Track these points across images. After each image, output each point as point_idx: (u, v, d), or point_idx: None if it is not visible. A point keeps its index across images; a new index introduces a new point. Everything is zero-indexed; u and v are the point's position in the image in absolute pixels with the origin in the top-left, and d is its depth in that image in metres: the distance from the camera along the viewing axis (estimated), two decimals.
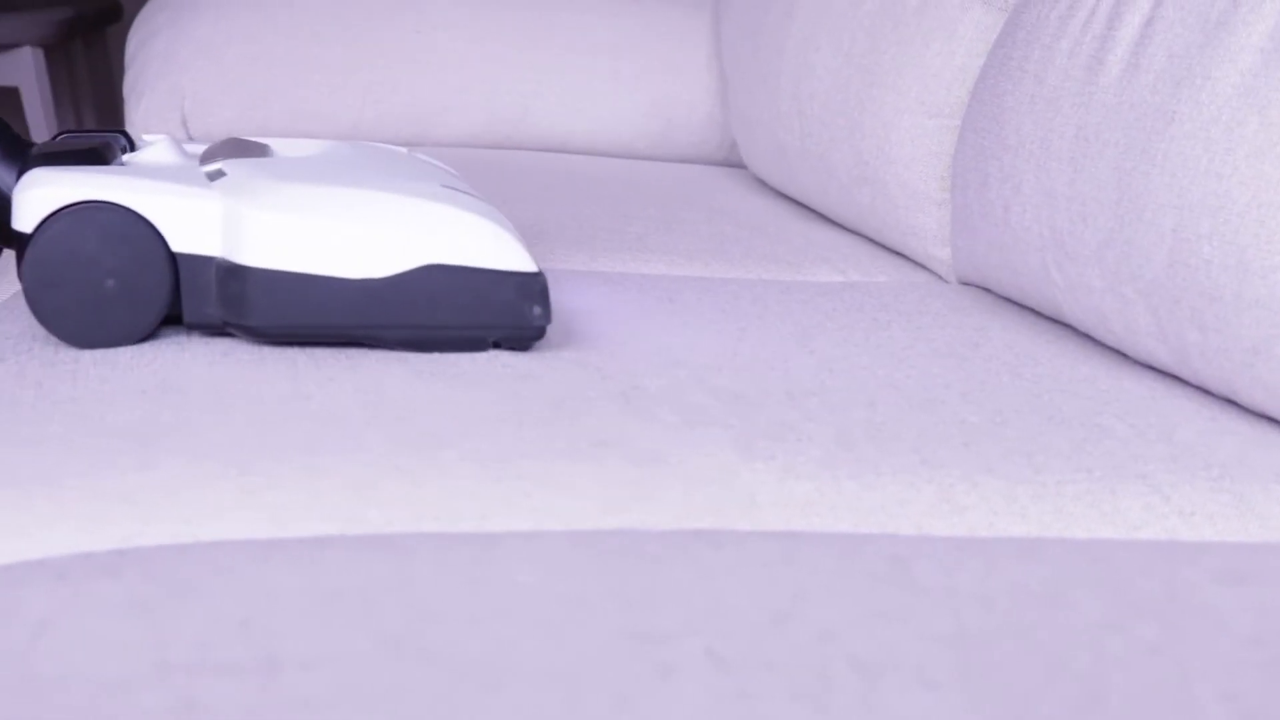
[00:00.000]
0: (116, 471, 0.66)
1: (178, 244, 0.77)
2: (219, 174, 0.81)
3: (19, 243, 0.78)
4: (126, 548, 0.61)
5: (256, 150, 0.88)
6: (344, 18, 1.59)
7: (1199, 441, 0.77)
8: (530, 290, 0.79)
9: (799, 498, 0.68)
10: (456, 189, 0.83)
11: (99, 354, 0.81)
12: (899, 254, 1.23)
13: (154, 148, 0.85)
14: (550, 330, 0.88)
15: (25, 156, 0.84)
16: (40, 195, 0.76)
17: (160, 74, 1.57)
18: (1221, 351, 0.81)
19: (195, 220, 0.76)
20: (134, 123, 1.59)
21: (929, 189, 1.16)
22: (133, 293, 0.77)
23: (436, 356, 0.81)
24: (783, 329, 0.92)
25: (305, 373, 0.78)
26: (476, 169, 1.43)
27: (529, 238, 1.15)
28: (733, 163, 1.64)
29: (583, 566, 0.57)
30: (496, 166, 1.45)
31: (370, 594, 0.54)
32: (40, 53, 2.53)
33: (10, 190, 0.82)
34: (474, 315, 0.78)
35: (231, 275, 0.77)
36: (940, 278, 1.16)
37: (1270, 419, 0.81)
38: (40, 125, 2.53)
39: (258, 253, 0.76)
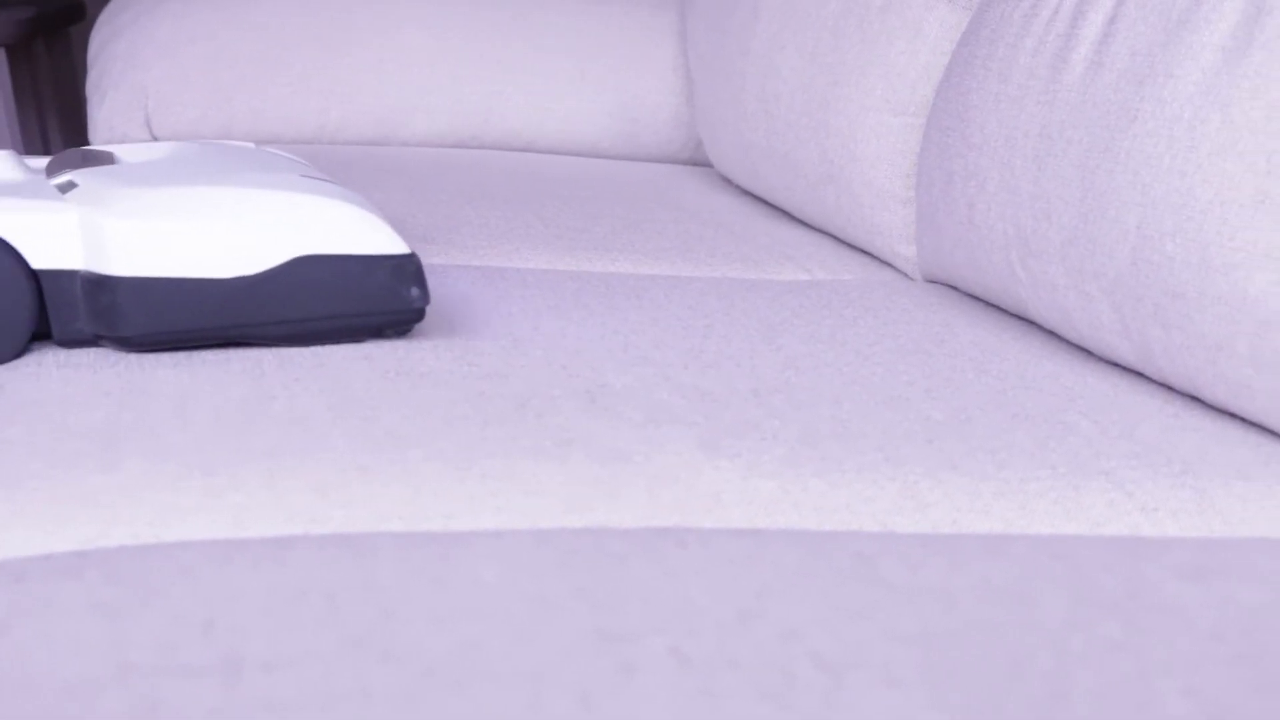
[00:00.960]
0: (78, 473, 0.66)
1: (37, 260, 0.75)
2: (70, 185, 0.80)
3: None
4: (88, 549, 0.60)
5: (103, 159, 0.86)
6: (309, 17, 1.59)
7: (1162, 438, 0.77)
8: (405, 272, 0.78)
9: (764, 495, 0.68)
10: (315, 178, 0.82)
11: (62, 356, 0.80)
12: (864, 252, 1.23)
13: None
14: (516, 328, 0.88)
15: None
16: None
17: (123, 74, 1.56)
18: (1184, 348, 0.81)
19: (53, 234, 0.75)
20: (97, 122, 1.58)
21: (894, 187, 1.17)
22: None
23: (400, 356, 0.81)
24: (748, 327, 0.93)
25: (270, 373, 0.78)
26: (443, 169, 1.42)
27: (495, 237, 1.15)
28: (699, 162, 1.64)
29: (547, 565, 0.57)
30: (463, 166, 1.45)
31: (334, 594, 0.54)
32: (1, 52, 2.52)
33: None
34: (351, 303, 0.78)
35: (98, 287, 0.76)
36: (905, 275, 1.17)
37: (1232, 415, 0.81)
38: (1, 126, 2.51)
39: (122, 262, 0.75)
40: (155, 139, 1.56)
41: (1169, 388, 0.85)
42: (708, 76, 1.46)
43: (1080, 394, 0.84)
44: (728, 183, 1.49)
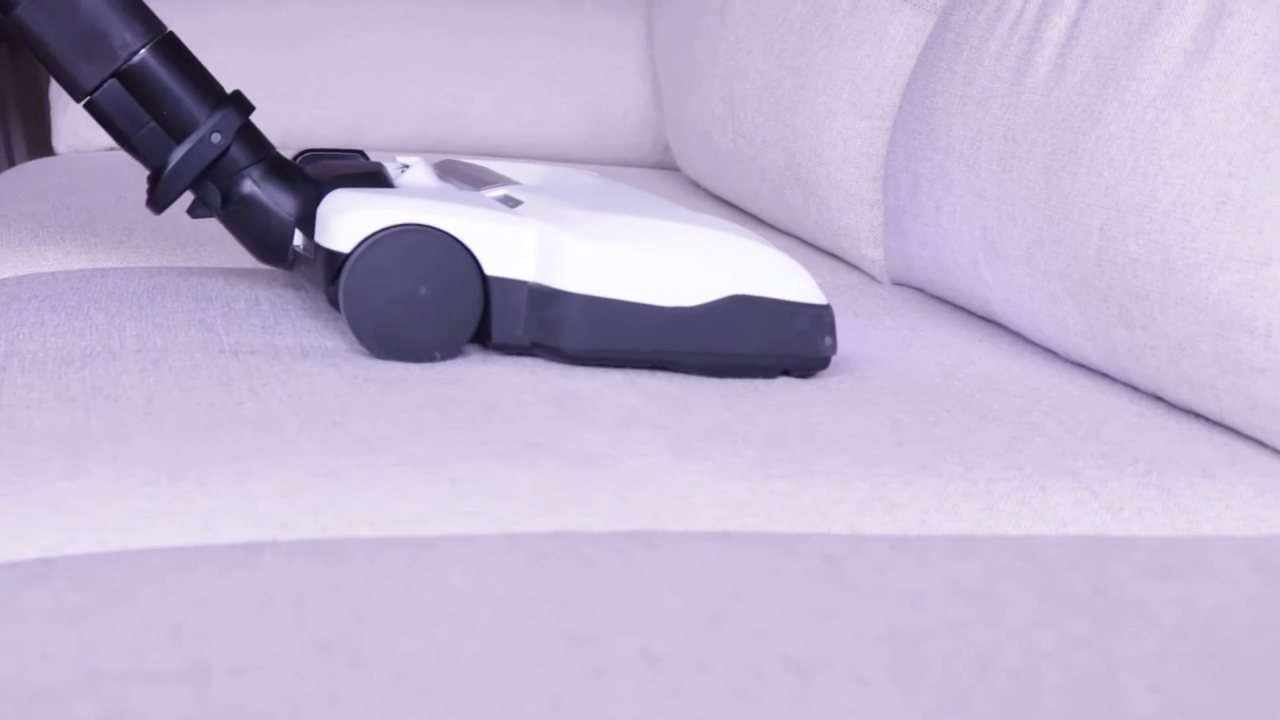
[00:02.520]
0: (45, 479, 0.65)
1: (491, 267, 0.80)
2: (509, 200, 0.85)
3: (325, 260, 0.81)
4: (55, 556, 0.60)
5: (485, 173, 0.91)
6: (276, 22, 1.58)
7: (1127, 438, 0.78)
8: (823, 322, 0.82)
9: (733, 498, 0.68)
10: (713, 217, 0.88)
11: (27, 361, 0.80)
12: (832, 255, 1.23)
13: (415, 170, 0.89)
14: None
15: (296, 176, 0.88)
16: (360, 217, 0.79)
17: None
18: (1148, 349, 0.82)
19: (509, 246, 0.80)
20: (61, 129, 1.57)
21: (861, 190, 1.17)
22: (446, 312, 0.80)
23: (369, 362, 0.81)
24: None
25: (237, 379, 0.77)
26: None
27: None
28: (666, 165, 1.64)
29: (517, 568, 0.57)
30: None
31: (303, 599, 0.54)
32: None
33: (289, 213, 0.87)
34: (771, 344, 0.82)
35: (547, 299, 0.80)
36: (873, 278, 1.17)
37: (1196, 415, 0.82)
38: None
39: (576, 278, 0.79)
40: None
41: (1134, 388, 0.86)
42: (675, 80, 1.46)
43: (1046, 395, 0.84)
44: (695, 186, 1.50)
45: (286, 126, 1.55)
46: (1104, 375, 0.88)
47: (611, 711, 0.47)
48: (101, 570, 0.56)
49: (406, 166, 0.90)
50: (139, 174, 1.33)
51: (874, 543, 0.64)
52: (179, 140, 0.87)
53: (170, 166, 0.87)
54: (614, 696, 0.48)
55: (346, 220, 0.80)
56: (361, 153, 0.93)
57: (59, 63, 0.86)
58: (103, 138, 1.56)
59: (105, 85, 0.87)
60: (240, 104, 0.88)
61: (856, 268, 1.20)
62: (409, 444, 0.70)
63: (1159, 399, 0.84)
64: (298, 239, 0.88)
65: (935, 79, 1.03)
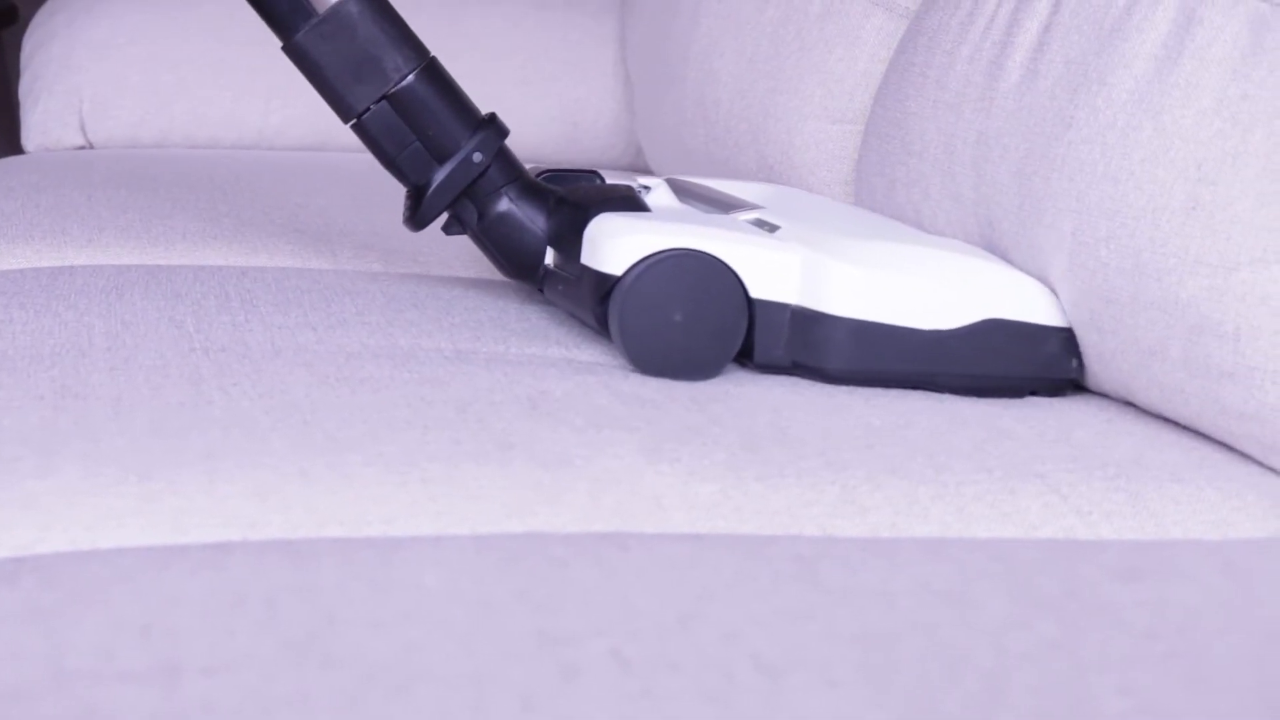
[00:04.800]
0: (14, 478, 0.65)
1: (756, 290, 0.84)
2: (762, 224, 0.88)
3: (593, 282, 0.84)
4: (24, 555, 0.60)
5: (720, 195, 0.95)
6: (247, 20, 1.58)
7: (1096, 442, 0.78)
8: (1070, 344, 0.85)
9: (704, 500, 0.68)
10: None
11: None
12: None
13: (658, 192, 0.93)
14: (457, 336, 0.88)
15: (549, 196, 0.91)
16: (635, 242, 0.83)
17: (57, 77, 1.54)
18: (1118, 353, 0.82)
19: (774, 270, 0.84)
20: (30, 127, 1.56)
21: (833, 193, 1.17)
22: (712, 332, 0.83)
23: (340, 360, 0.81)
24: None
25: (208, 378, 0.77)
26: (384, 174, 1.42)
27: (438, 243, 1.15)
28: (639, 168, 1.64)
29: (488, 569, 0.57)
30: None
31: (274, 599, 0.54)
32: None
33: (542, 230, 0.91)
34: (1023, 366, 0.84)
35: (812, 321, 0.83)
36: None
37: (1165, 419, 0.82)
38: None
39: (842, 302, 0.83)
40: (90, 145, 1.55)
41: (1103, 393, 0.86)
42: (647, 82, 1.46)
43: (1016, 399, 0.85)
44: None
45: (260, 126, 1.55)
46: (1073, 379, 0.89)
47: (582, 712, 0.47)
48: (71, 570, 0.56)
49: (647, 188, 0.93)
50: (110, 172, 1.32)
51: (845, 545, 0.64)
52: (441, 160, 0.90)
53: (435, 185, 0.90)
54: (585, 697, 0.48)
55: (619, 244, 0.83)
56: (596, 172, 0.96)
57: (332, 85, 0.90)
58: (73, 136, 1.55)
59: (375, 107, 0.90)
60: (498, 126, 0.91)
61: None
62: (381, 443, 0.70)
63: (1128, 403, 0.85)
64: (550, 257, 0.91)
65: (908, 83, 1.03)
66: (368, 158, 1.51)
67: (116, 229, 1.12)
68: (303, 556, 0.58)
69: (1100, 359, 0.84)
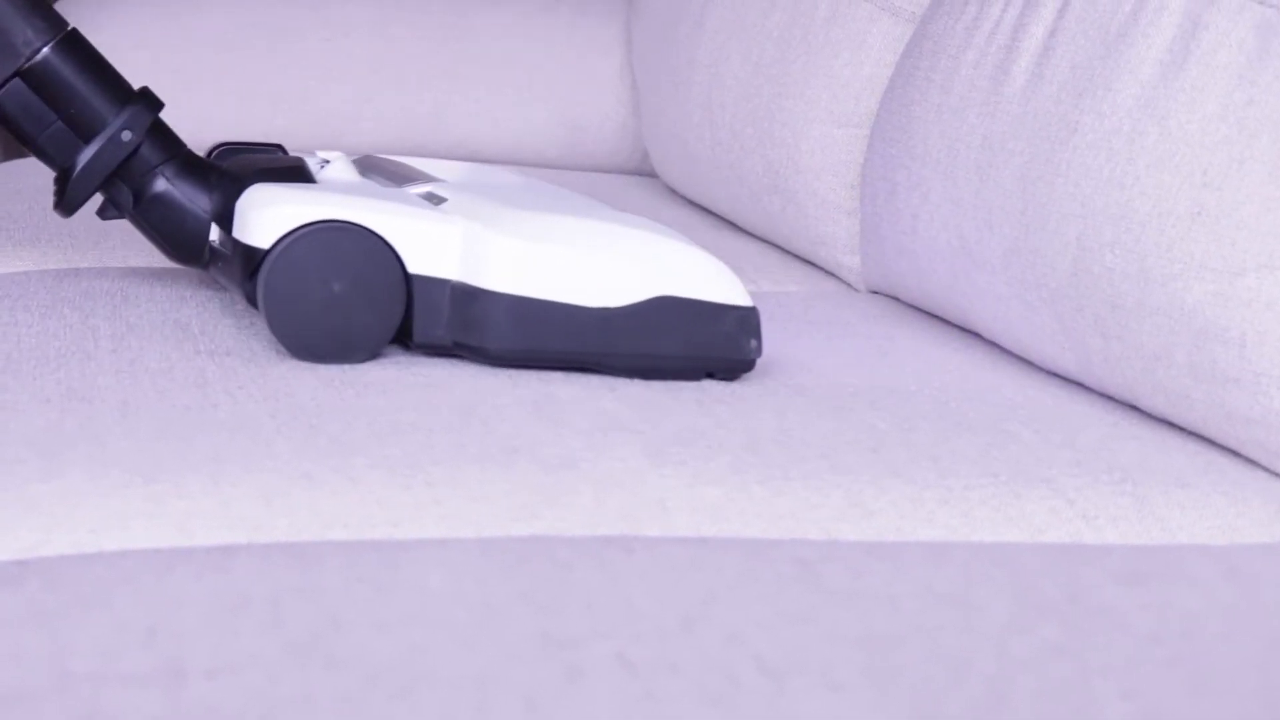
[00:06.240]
0: (19, 480, 0.65)
1: (414, 265, 0.79)
2: (433, 197, 0.83)
3: (243, 256, 0.79)
4: (29, 557, 0.60)
5: (408, 170, 0.90)
6: (253, 25, 1.58)
7: (1101, 446, 0.78)
8: (748, 324, 0.81)
9: (708, 503, 0.68)
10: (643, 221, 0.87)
11: (0, 361, 0.80)
12: (809, 263, 1.24)
13: (336, 165, 0.87)
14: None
15: (210, 172, 0.85)
16: (280, 213, 0.77)
17: None
18: (1123, 358, 0.82)
19: (433, 243, 0.79)
20: None
21: (838, 198, 1.17)
22: (368, 311, 0.79)
23: (346, 365, 0.81)
24: None
25: (213, 381, 0.77)
26: None
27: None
28: (645, 172, 1.64)
29: (493, 571, 0.57)
30: None
31: (278, 601, 0.54)
32: None
33: (204, 210, 0.85)
34: (696, 346, 0.81)
35: (470, 298, 0.79)
36: (850, 286, 1.18)
37: (1170, 424, 0.82)
38: None
39: (501, 277, 0.78)
40: None
41: (1109, 397, 0.86)
42: (653, 86, 1.46)
43: (1022, 403, 0.85)
44: (673, 193, 1.50)
45: (265, 128, 1.55)
46: (1080, 384, 0.89)
47: (586, 714, 0.47)
48: (76, 572, 0.56)
49: (327, 162, 0.88)
50: None
51: (849, 548, 0.64)
52: (87, 140, 0.85)
53: (80, 167, 0.84)
54: (589, 699, 0.48)
55: (266, 215, 0.78)
56: (280, 147, 0.91)
57: None
58: None
59: (8, 85, 0.84)
60: (150, 100, 0.86)
61: (834, 275, 1.20)
62: (386, 446, 0.70)
63: (1134, 408, 0.84)
64: (214, 235, 0.86)
65: (913, 87, 1.03)
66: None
67: (123, 231, 1.12)
68: (307, 559, 0.58)
69: (1106, 364, 0.84)
